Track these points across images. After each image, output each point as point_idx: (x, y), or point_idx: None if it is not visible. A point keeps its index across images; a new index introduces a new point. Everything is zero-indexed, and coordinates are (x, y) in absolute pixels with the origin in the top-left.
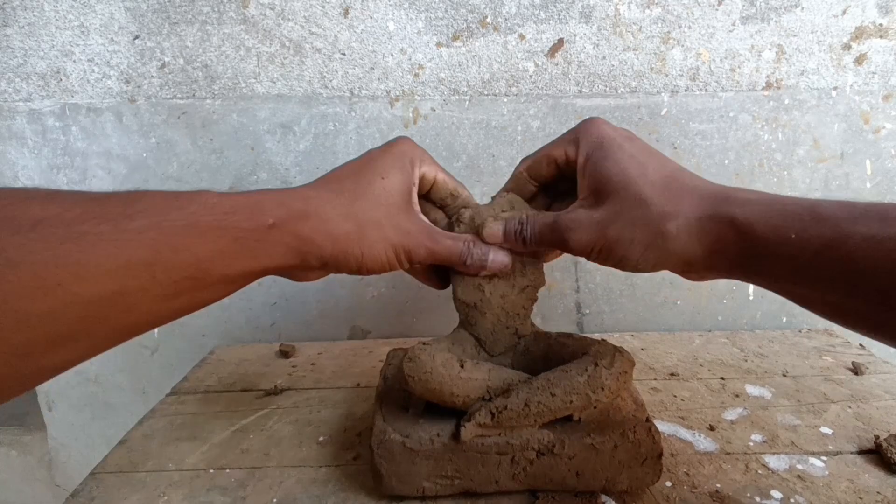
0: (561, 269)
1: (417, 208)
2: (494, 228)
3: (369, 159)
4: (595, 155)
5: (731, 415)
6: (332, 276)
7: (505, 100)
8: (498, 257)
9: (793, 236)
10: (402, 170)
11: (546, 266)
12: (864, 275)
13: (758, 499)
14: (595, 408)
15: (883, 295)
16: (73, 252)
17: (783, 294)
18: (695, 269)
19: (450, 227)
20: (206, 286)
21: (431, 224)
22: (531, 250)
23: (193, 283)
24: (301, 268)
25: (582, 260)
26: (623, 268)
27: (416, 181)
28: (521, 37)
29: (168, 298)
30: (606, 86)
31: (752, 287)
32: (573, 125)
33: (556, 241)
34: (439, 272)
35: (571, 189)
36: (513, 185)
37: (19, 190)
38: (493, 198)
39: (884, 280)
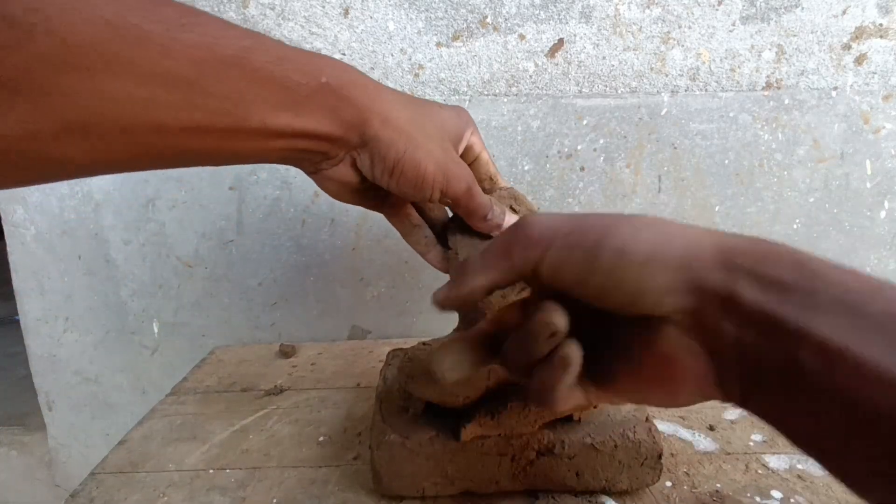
0: None
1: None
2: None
3: (431, 101)
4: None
5: (731, 414)
6: (331, 276)
7: (505, 100)
8: (511, 219)
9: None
10: (460, 119)
11: None
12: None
13: (758, 499)
14: (595, 407)
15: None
16: (109, 38)
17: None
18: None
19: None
20: (241, 131)
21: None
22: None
23: (230, 121)
24: (338, 143)
25: None
26: (587, 285)
27: (467, 139)
28: (521, 37)
29: (199, 132)
30: (606, 86)
31: None
32: (573, 125)
33: (517, 243)
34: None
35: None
36: None
37: None
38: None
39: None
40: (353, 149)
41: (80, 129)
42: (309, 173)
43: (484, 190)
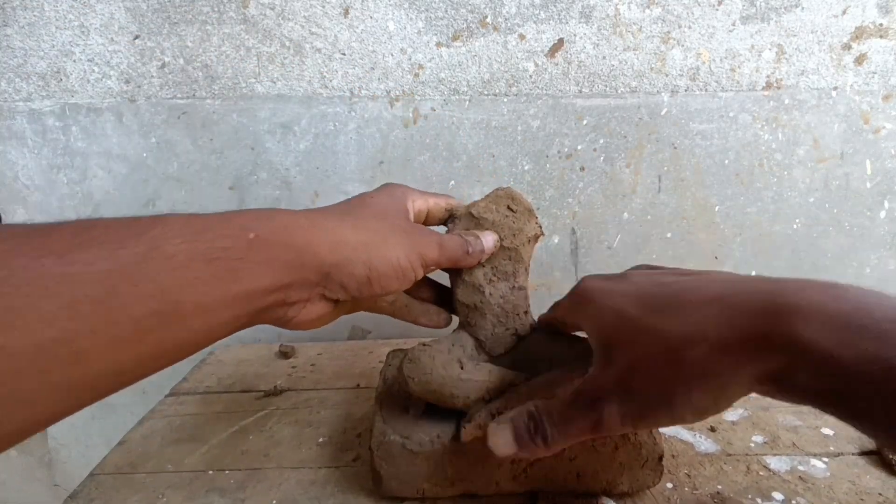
0: (561, 269)
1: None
2: (502, 439)
3: (362, 197)
4: (588, 312)
5: (732, 416)
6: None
7: (505, 100)
8: (489, 239)
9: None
10: (393, 196)
11: (546, 266)
12: None
13: (759, 500)
14: None
15: None
16: (2, 293)
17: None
18: (763, 390)
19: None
20: (177, 322)
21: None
22: (556, 450)
23: (160, 319)
24: (295, 288)
25: (582, 259)
26: (680, 421)
27: (411, 209)
28: (521, 37)
29: (129, 342)
30: (606, 86)
31: None
32: (573, 125)
33: (588, 425)
34: (442, 294)
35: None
36: None
37: None
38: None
39: None
40: (317, 285)
41: (5, 400)
42: (282, 326)
43: (448, 221)
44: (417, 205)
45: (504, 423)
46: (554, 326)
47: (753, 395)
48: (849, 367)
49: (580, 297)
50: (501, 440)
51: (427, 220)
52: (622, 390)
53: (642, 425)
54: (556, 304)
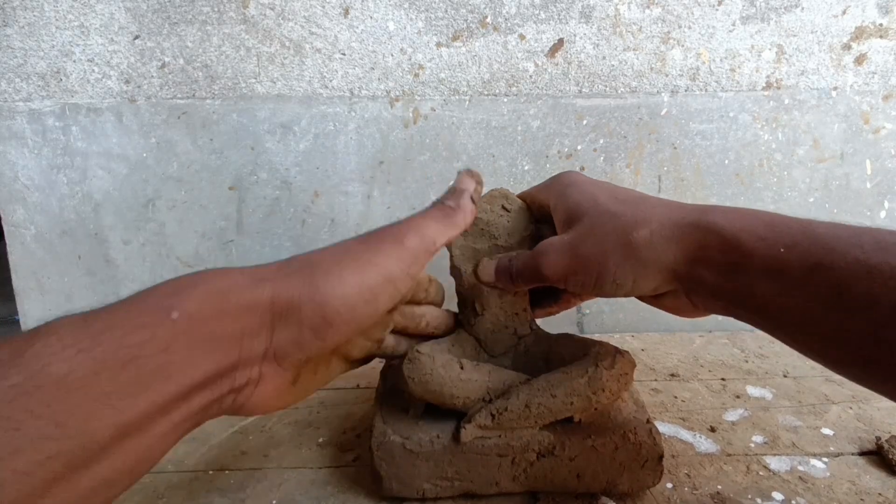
0: None
1: None
2: (488, 267)
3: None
4: (564, 191)
5: (731, 416)
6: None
7: (505, 100)
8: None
9: (782, 250)
10: None
11: None
12: (856, 302)
13: (759, 500)
14: (596, 409)
15: (875, 325)
16: None
17: (770, 328)
18: (679, 283)
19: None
20: (94, 458)
21: None
22: (519, 288)
23: (69, 461)
24: (243, 365)
25: None
26: (602, 290)
27: None
28: (521, 37)
29: (34, 496)
30: (606, 86)
31: None
32: (573, 125)
33: (533, 272)
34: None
35: None
36: None
37: None
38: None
39: (877, 311)
40: (265, 356)
41: None
42: (236, 414)
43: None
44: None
45: (493, 260)
46: (524, 198)
47: (753, 395)
48: (745, 244)
49: (563, 179)
50: (487, 270)
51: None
52: (569, 251)
53: (571, 282)
54: (537, 186)
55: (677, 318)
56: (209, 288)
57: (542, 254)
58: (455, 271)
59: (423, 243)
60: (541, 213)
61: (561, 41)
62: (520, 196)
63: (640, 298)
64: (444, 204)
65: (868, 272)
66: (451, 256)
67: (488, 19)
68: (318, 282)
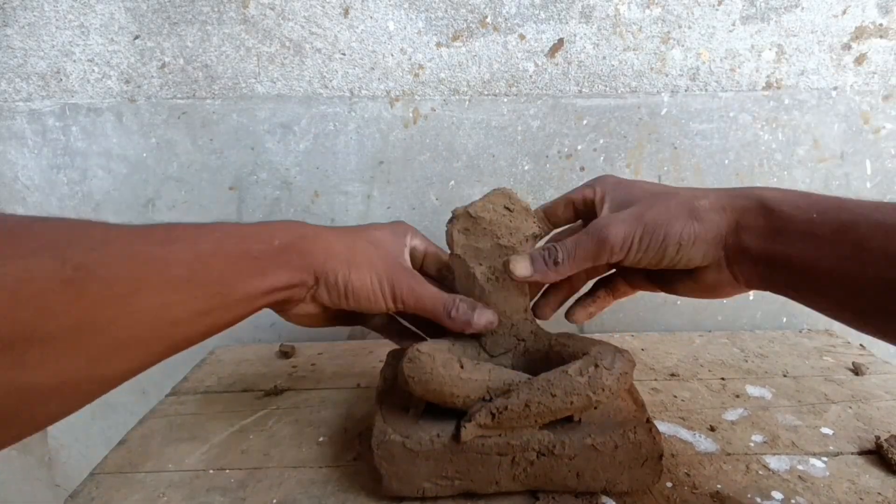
0: None
1: (409, 265)
2: (521, 264)
3: (368, 226)
4: (611, 186)
5: (731, 415)
6: None
7: (505, 100)
8: (484, 316)
9: (814, 216)
10: (395, 232)
11: None
12: (875, 255)
13: (759, 499)
14: (595, 408)
15: (891, 285)
16: (132, 267)
17: (803, 288)
18: (725, 251)
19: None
20: (230, 304)
21: (419, 274)
22: (562, 275)
23: (221, 299)
24: (299, 287)
25: None
26: (665, 253)
27: (408, 244)
28: (521, 37)
29: (203, 314)
30: (606, 86)
31: None
32: (573, 125)
33: (594, 247)
34: (425, 327)
35: None
36: None
37: (85, 221)
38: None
39: (894, 264)
40: (311, 288)
41: (123, 346)
42: (280, 313)
43: (444, 278)
44: (414, 243)
45: (525, 255)
46: (558, 205)
47: (753, 395)
48: (783, 210)
49: (608, 179)
50: (520, 265)
51: (424, 263)
52: (633, 218)
53: (634, 248)
54: (575, 189)
55: (677, 318)
56: (299, 234)
57: (606, 225)
58: (457, 271)
59: (415, 302)
60: (568, 214)
61: (561, 41)
62: (553, 203)
63: (678, 289)
64: (459, 303)
65: (885, 231)
66: (452, 256)
67: (488, 19)
68: (351, 270)
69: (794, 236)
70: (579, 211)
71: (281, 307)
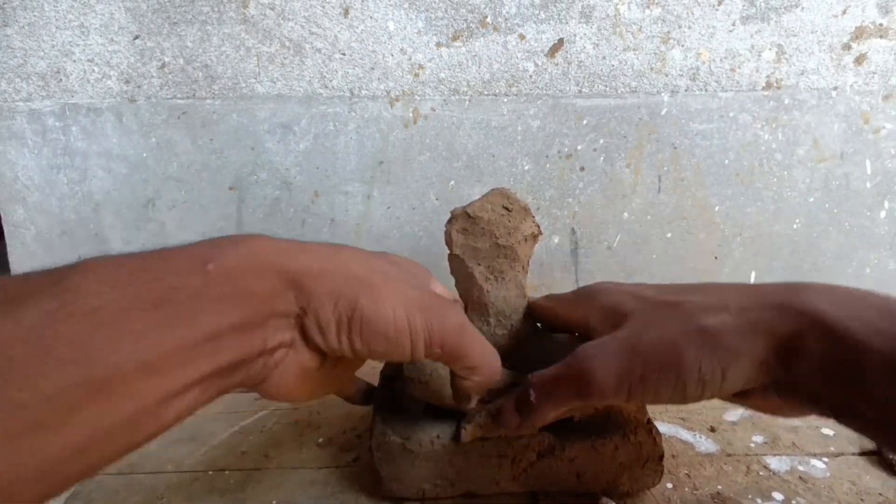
0: (561, 269)
1: (447, 294)
2: (475, 423)
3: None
4: (597, 296)
5: (731, 416)
6: None
7: (505, 100)
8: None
9: None
10: (416, 265)
11: (546, 266)
12: None
13: (759, 500)
14: (596, 409)
15: None
16: None
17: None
18: (770, 379)
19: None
20: (116, 392)
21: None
22: (544, 423)
23: (89, 391)
24: (273, 326)
25: (582, 259)
26: (685, 393)
27: (436, 288)
28: (521, 37)
29: (47, 428)
30: (606, 86)
31: None
32: (573, 125)
33: (575, 385)
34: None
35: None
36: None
37: None
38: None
39: None
40: (296, 322)
41: None
42: (259, 387)
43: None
44: (434, 284)
45: (479, 414)
46: (544, 314)
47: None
48: (856, 335)
49: (590, 289)
50: (468, 430)
51: None
52: (626, 349)
53: (637, 391)
54: (555, 296)
55: None
56: (252, 249)
57: (588, 358)
58: (455, 272)
59: (457, 351)
60: (561, 326)
61: (561, 41)
62: (536, 306)
63: (721, 398)
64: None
65: None
66: (451, 257)
67: (488, 19)
68: (363, 291)
69: (877, 374)
70: (561, 325)
71: (254, 369)
